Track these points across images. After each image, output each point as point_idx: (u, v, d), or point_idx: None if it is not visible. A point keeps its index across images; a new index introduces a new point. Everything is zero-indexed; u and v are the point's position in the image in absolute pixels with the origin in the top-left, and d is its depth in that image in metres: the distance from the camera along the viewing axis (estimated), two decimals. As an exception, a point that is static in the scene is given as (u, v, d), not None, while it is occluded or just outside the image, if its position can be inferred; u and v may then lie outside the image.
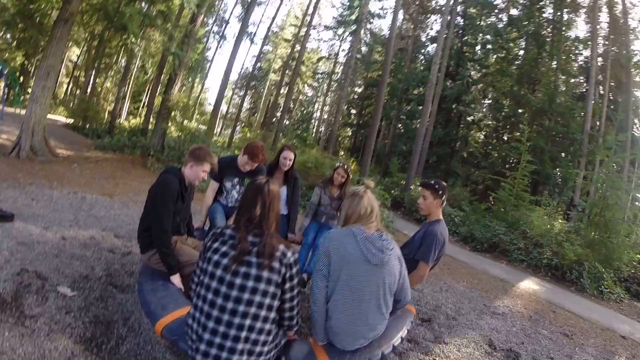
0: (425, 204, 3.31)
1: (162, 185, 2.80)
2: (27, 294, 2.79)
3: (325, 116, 40.28)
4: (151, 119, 17.21)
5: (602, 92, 20.12)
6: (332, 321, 2.17)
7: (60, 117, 21.07)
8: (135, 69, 25.86)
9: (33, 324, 2.49)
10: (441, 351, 3.60)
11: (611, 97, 20.52)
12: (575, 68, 22.16)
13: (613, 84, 20.34)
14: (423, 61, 28.92)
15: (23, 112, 9.76)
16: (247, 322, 1.86)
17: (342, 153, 32.67)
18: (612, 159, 10.70)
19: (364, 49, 33.67)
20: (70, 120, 18.59)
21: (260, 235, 1.98)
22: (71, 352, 2.34)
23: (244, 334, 1.86)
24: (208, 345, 1.86)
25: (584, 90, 20.50)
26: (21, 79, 20.93)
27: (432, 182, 3.34)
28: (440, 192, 3.26)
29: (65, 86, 32.38)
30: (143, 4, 11.23)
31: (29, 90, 12.12)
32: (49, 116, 11.46)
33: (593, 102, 18.41)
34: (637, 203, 16.29)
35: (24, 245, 3.57)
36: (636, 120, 19.84)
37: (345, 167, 4.55)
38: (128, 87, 25.29)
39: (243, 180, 4.16)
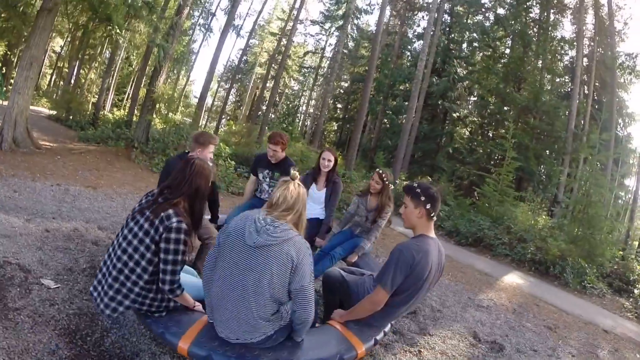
0: (404, 213, 2.65)
1: None
2: (10, 287, 2.73)
3: (311, 110, 40.22)
4: (135, 111, 16.95)
5: (586, 91, 20.47)
6: (211, 291, 2.22)
7: (43, 109, 20.62)
8: (119, 61, 25.42)
9: (16, 317, 2.45)
10: (426, 342, 3.63)
11: (596, 97, 20.87)
12: (560, 68, 22.49)
13: (598, 84, 20.68)
14: (409, 57, 29.08)
15: (5, 103, 9.52)
16: (127, 267, 2.23)
17: (328, 147, 32.61)
18: (595, 157, 10.89)
19: (350, 44, 33.66)
20: (54, 112, 18.20)
21: (167, 199, 2.26)
22: (55, 344, 2.31)
23: (121, 277, 2.24)
24: (97, 283, 2.35)
25: (569, 89, 20.83)
26: (3, 69, 20.39)
27: (415, 185, 2.65)
28: (424, 200, 2.52)
29: (48, 77, 31.69)
30: (129, -6, 11.03)
31: (12, 81, 11.81)
32: (32, 107, 11.24)
33: (578, 101, 18.72)
34: (619, 201, 16.67)
35: (6, 238, 3.49)
36: (620, 120, 20.22)
37: (381, 172, 4.09)
38: (112, 79, 24.88)
39: (273, 172, 4.36)
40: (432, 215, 2.55)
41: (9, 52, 21.69)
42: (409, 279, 2.47)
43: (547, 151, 20.78)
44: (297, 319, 2.15)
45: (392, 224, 5.23)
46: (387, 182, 4.07)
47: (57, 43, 28.31)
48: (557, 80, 22.75)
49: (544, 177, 20.48)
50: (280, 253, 2.05)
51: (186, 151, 3.55)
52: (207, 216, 4.05)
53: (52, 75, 31.38)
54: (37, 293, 2.76)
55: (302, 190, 2.30)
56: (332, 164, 4.36)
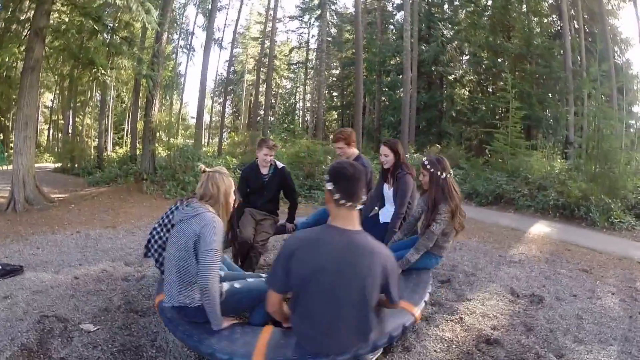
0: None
1: None
2: (51, 339, 2.80)
3: (309, 104, 40.08)
4: (137, 144, 17.12)
5: (577, 26, 19.99)
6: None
7: (47, 164, 20.99)
8: (111, 100, 25.71)
9: (63, 366, 2.51)
10: (466, 308, 3.62)
11: (587, 30, 20.39)
12: (546, 7, 22.01)
13: (587, 16, 20.20)
14: (394, 30, 28.81)
15: (10, 167, 9.71)
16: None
17: (332, 137, 32.56)
18: (599, 91, 10.70)
19: (333, 30, 33.49)
20: (58, 164, 18.54)
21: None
22: (105, 384, 2.37)
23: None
24: None
25: (559, 28, 20.40)
26: (0, 136, 20.76)
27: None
28: (327, 180, 2.01)
29: (46, 132, 32.16)
30: (105, 35, 11.12)
31: (12, 145, 12.03)
32: (37, 165, 11.41)
33: (570, 37, 18.32)
34: (631, 130, 16.34)
35: (38, 294, 3.58)
36: (616, 48, 19.77)
37: (425, 161, 3.35)
38: (108, 119, 25.17)
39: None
40: (339, 201, 1.94)
41: (2, 118, 22.03)
42: (292, 278, 1.95)
43: (550, 94, 20.42)
44: (199, 284, 2.23)
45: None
46: (430, 169, 3.27)
47: (47, 97, 28.75)
48: (545, 21, 22.26)
49: (551, 121, 20.15)
50: (187, 227, 2.31)
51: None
52: None
53: (49, 129, 31.82)
54: (78, 339, 2.83)
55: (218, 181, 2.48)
56: (389, 158, 3.88)
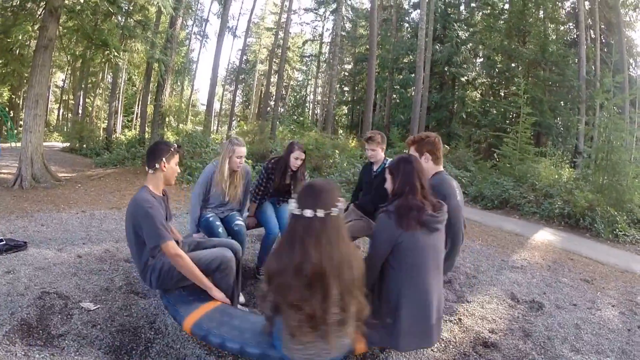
0: None
1: None
2: (52, 315, 2.83)
3: (319, 97, 40.02)
4: (146, 128, 17.21)
5: (593, 36, 19.77)
6: None
7: (56, 143, 21.12)
8: (122, 83, 25.78)
9: (62, 343, 2.54)
10: (465, 310, 3.63)
11: (603, 40, 20.18)
12: (563, 15, 21.77)
13: (603, 26, 19.98)
14: (409, 29, 28.56)
15: (19, 144, 9.76)
16: None
17: (341, 131, 32.59)
18: (611, 102, 10.53)
19: (347, 25, 33.33)
20: (67, 144, 18.67)
21: None
22: (103, 362, 2.39)
23: None
24: None
25: (575, 36, 20.17)
26: (11, 113, 20.92)
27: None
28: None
29: (56, 112, 32.42)
30: (120, 18, 11.13)
31: (21, 122, 12.12)
32: (45, 143, 11.50)
33: (585, 47, 18.10)
34: (641, 143, 16.15)
35: (41, 270, 3.62)
36: (631, 60, 19.56)
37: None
38: (119, 102, 25.27)
39: None
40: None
41: (13, 96, 22.20)
42: None
43: (562, 102, 20.23)
44: None
45: None
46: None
47: (59, 77, 28.96)
48: (562, 28, 22.05)
49: (561, 129, 19.98)
50: None
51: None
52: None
53: (59, 109, 32.09)
54: (78, 317, 2.86)
55: None
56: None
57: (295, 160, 4.06)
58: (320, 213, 1.85)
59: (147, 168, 2.70)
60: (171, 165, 2.74)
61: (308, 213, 1.85)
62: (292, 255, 1.84)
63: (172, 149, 2.73)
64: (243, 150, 3.73)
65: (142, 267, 2.65)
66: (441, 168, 2.97)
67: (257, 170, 11.66)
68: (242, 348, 2.15)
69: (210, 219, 3.68)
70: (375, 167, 4.11)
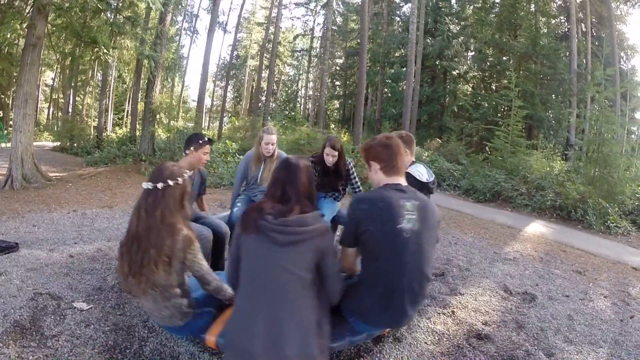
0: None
1: None
2: (45, 316, 2.81)
3: (311, 92, 39.98)
4: (137, 126, 17.09)
5: (584, 29, 19.91)
6: None
7: (47, 143, 20.90)
8: (112, 80, 25.58)
9: (55, 343, 2.52)
10: (458, 302, 3.65)
11: (594, 34, 20.33)
12: (554, 8, 21.88)
13: (594, 20, 20.14)
14: (400, 22, 28.57)
15: (9, 145, 9.65)
16: None
17: (333, 126, 32.57)
18: (602, 95, 10.60)
19: (338, 19, 33.28)
20: (57, 143, 18.47)
21: None
22: (97, 362, 2.38)
23: None
24: None
25: (566, 29, 20.32)
26: (0, 113, 20.65)
27: None
28: None
29: (46, 111, 32.08)
30: (109, 14, 11.01)
31: (11, 122, 12.00)
32: (36, 143, 11.38)
33: (577, 40, 18.24)
34: (632, 136, 16.31)
35: (33, 271, 3.58)
36: (622, 54, 19.73)
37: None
38: (109, 100, 25.05)
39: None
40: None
41: (2, 95, 21.90)
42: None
43: (553, 95, 20.39)
44: None
45: None
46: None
47: (48, 76, 28.65)
48: (553, 22, 22.19)
49: (553, 122, 20.15)
50: None
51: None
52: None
53: (49, 108, 31.75)
54: (71, 317, 2.84)
55: None
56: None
57: (327, 156, 4.18)
58: (148, 185, 2.17)
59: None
60: (198, 154, 3.41)
61: (144, 185, 2.20)
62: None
63: (200, 141, 3.40)
64: (271, 138, 4.07)
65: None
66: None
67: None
68: None
69: (236, 211, 4.06)
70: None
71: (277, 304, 1.82)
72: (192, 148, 3.38)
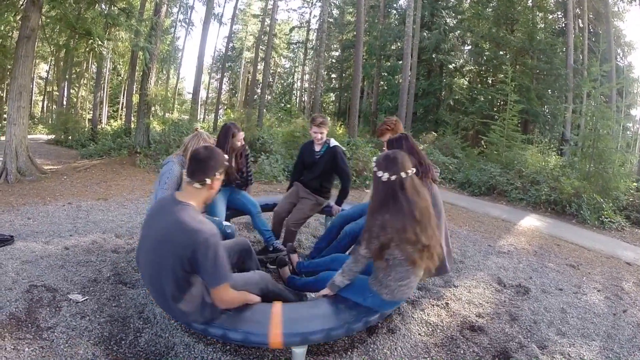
0: None
1: None
2: (40, 308, 2.82)
3: (306, 85, 39.77)
4: (132, 118, 17.00)
5: (581, 25, 19.86)
6: None
7: (41, 135, 20.73)
8: (107, 73, 25.29)
9: (51, 335, 2.53)
10: (452, 294, 3.69)
11: (591, 30, 20.31)
12: (551, 3, 21.85)
13: (592, 16, 20.09)
14: (396, 15, 28.39)
15: (3, 138, 9.58)
16: None
17: (329, 118, 32.46)
18: (598, 90, 10.64)
19: (335, 12, 33.09)
20: (52, 136, 18.33)
21: None
22: (92, 353, 2.39)
23: None
24: None
25: (563, 25, 20.29)
26: (-6, 106, 20.43)
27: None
28: None
29: (40, 104, 31.82)
30: (103, 6, 10.89)
31: (5, 115, 11.90)
32: (30, 136, 11.29)
33: (574, 36, 18.23)
34: (628, 132, 16.40)
35: (28, 263, 3.58)
36: (619, 50, 19.76)
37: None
38: (104, 92, 24.83)
39: None
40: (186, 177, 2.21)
41: (-4, 89, 21.63)
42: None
43: (549, 90, 20.39)
44: None
45: None
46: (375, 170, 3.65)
47: (42, 68, 28.38)
48: (550, 17, 22.11)
49: (549, 117, 20.17)
50: None
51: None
52: None
53: (43, 101, 31.49)
54: (66, 309, 2.85)
55: None
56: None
57: (239, 142, 4.05)
58: (404, 174, 2.34)
59: (190, 179, 2.17)
60: (220, 181, 2.31)
61: (392, 176, 2.34)
62: (398, 206, 2.31)
63: (226, 162, 2.31)
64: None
65: (191, 304, 2.19)
66: None
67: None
68: (349, 327, 2.32)
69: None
70: (318, 148, 4.29)
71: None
72: (217, 174, 2.21)
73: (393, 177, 2.32)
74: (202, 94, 35.71)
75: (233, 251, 2.78)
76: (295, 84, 42.40)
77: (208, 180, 2.14)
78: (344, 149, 4.35)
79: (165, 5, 13.08)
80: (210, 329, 2.21)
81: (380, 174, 2.35)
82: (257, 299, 2.42)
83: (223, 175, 2.29)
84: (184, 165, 3.31)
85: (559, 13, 21.76)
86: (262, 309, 2.36)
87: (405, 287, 2.45)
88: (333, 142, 4.28)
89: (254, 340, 2.16)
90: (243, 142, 4.14)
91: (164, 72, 30.98)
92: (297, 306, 2.53)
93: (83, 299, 3.01)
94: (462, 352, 2.76)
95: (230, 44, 34.79)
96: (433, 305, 3.42)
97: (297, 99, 41.00)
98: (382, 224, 2.27)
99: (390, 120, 3.82)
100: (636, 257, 5.96)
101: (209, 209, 3.86)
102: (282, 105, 31.31)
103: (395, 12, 28.71)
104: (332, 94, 36.16)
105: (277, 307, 2.39)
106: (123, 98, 27.50)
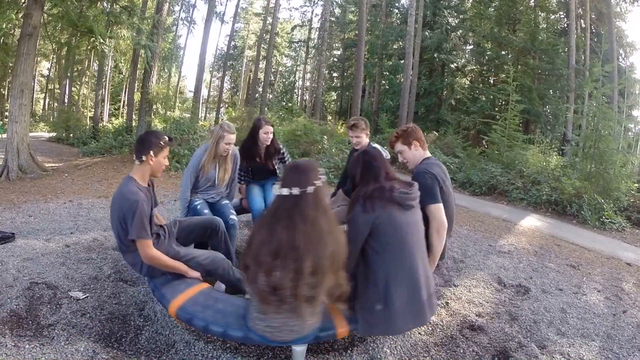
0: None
1: None
2: (41, 305, 2.83)
3: (308, 83, 39.79)
4: (133, 116, 17.02)
5: (583, 25, 19.88)
6: None
7: (42, 133, 20.79)
8: (109, 71, 25.32)
9: (51, 332, 2.54)
10: (452, 294, 3.69)
11: (593, 30, 20.31)
12: (554, 3, 21.83)
13: (594, 16, 20.10)
14: (398, 15, 28.39)
15: (4, 136, 9.60)
16: None
17: (330, 117, 32.51)
18: (600, 91, 10.61)
19: (337, 11, 33.08)
20: (53, 134, 18.39)
21: None
22: (93, 351, 2.39)
23: None
24: None
25: (565, 25, 20.29)
26: (-4, 105, 20.50)
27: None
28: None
29: (42, 101, 31.89)
30: (105, 4, 10.90)
31: (7, 113, 11.90)
32: (32, 134, 11.31)
33: (575, 36, 18.21)
34: (629, 133, 16.37)
35: (29, 261, 3.59)
36: (621, 51, 19.75)
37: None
38: (105, 90, 24.84)
39: None
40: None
41: (-2, 87, 21.68)
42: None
43: (551, 90, 20.42)
44: None
45: None
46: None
47: (44, 66, 28.46)
48: (552, 17, 22.13)
49: (550, 117, 20.18)
50: None
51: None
52: None
53: (44, 98, 31.56)
54: (67, 306, 2.86)
55: None
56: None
57: (265, 135, 4.14)
58: (296, 191, 1.98)
59: (134, 157, 2.68)
60: (159, 159, 2.70)
61: (284, 192, 2.00)
62: (270, 228, 1.98)
63: (161, 142, 2.69)
64: (232, 138, 3.70)
65: (133, 257, 2.67)
66: (429, 154, 3.15)
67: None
68: (225, 331, 2.23)
69: (198, 206, 3.69)
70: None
71: (423, 257, 2.41)
72: (151, 152, 2.64)
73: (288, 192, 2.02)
74: (204, 92, 35.71)
75: (197, 227, 3.21)
76: (297, 83, 42.41)
77: (144, 157, 2.63)
78: (381, 148, 3.91)
79: (167, 3, 13.11)
80: (151, 283, 2.69)
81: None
82: (194, 273, 2.72)
83: (162, 154, 2.71)
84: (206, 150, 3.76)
85: (561, 13, 21.77)
86: (189, 282, 2.64)
87: (262, 323, 2.09)
88: (373, 146, 3.93)
89: (161, 300, 2.56)
90: (270, 136, 4.21)
91: (166, 70, 30.99)
92: (215, 294, 2.58)
93: (84, 297, 3.02)
94: (461, 351, 2.76)
95: (232, 43, 34.87)
96: (433, 304, 3.42)
97: (299, 97, 41.02)
98: (249, 241, 2.12)
99: (400, 128, 3.28)
100: (636, 257, 5.94)
101: (248, 197, 4.33)
102: (284, 104, 31.33)
103: (397, 11, 28.70)
104: (333, 92, 36.14)
105: (200, 286, 2.61)
106: (124, 96, 27.51)
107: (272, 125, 4.25)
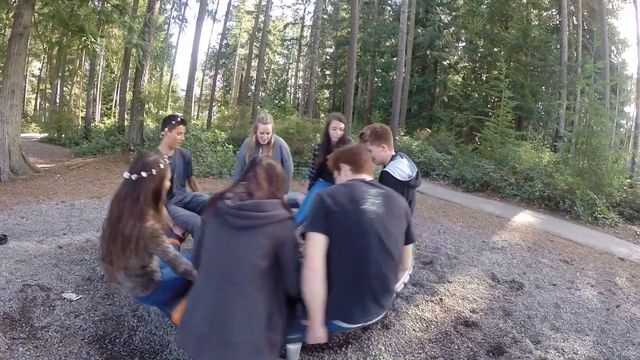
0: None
1: None
2: (34, 307, 2.82)
3: (301, 81, 39.68)
4: (126, 115, 16.92)
5: (575, 22, 19.97)
6: None
7: (34, 134, 20.60)
8: (100, 70, 25.14)
9: (45, 334, 2.53)
10: (446, 290, 3.71)
11: (585, 27, 20.41)
12: (546, 1, 21.92)
13: (586, 13, 20.21)
14: (391, 12, 28.43)
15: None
16: None
17: (323, 115, 32.51)
18: (592, 87, 10.67)
19: (329, 8, 33.00)
20: (45, 134, 18.23)
21: None
22: (87, 352, 2.39)
23: None
24: None
25: (557, 22, 20.37)
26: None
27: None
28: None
29: (33, 102, 31.60)
30: (96, 2, 10.83)
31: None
32: (23, 135, 11.22)
33: (568, 33, 18.28)
34: (621, 129, 16.49)
35: (22, 263, 3.57)
36: (613, 48, 19.87)
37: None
38: (97, 90, 24.66)
39: None
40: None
41: (-12, 87, 21.45)
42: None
43: (543, 87, 20.53)
44: None
45: None
46: None
47: (35, 66, 28.19)
48: (544, 14, 22.22)
49: (542, 113, 20.26)
50: None
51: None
52: None
53: (36, 99, 31.29)
54: (60, 308, 2.84)
55: None
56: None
57: (334, 131, 4.18)
58: (125, 175, 2.22)
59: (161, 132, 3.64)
60: (172, 134, 3.57)
61: (125, 175, 2.23)
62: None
63: (173, 122, 3.56)
64: (266, 127, 4.09)
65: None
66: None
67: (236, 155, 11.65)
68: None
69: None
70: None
71: (226, 286, 1.82)
72: (166, 129, 3.55)
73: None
74: (196, 91, 35.61)
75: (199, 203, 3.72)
76: (290, 81, 42.33)
77: (162, 133, 3.60)
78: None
79: (159, 1, 13.03)
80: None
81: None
82: (177, 229, 3.35)
83: (175, 130, 3.56)
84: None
85: (554, 10, 21.85)
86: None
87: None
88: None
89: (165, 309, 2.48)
90: (338, 133, 4.21)
91: (158, 69, 30.84)
92: None
93: (77, 298, 3.01)
94: (456, 347, 2.78)
95: (224, 41, 34.69)
96: (427, 301, 3.44)
97: (292, 95, 40.94)
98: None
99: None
100: (629, 252, 6.00)
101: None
102: (276, 102, 31.21)
103: (389, 8, 28.73)
104: (326, 90, 36.10)
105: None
106: (116, 95, 27.32)
107: (342, 121, 4.24)
